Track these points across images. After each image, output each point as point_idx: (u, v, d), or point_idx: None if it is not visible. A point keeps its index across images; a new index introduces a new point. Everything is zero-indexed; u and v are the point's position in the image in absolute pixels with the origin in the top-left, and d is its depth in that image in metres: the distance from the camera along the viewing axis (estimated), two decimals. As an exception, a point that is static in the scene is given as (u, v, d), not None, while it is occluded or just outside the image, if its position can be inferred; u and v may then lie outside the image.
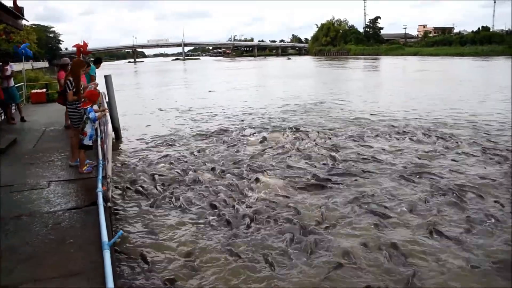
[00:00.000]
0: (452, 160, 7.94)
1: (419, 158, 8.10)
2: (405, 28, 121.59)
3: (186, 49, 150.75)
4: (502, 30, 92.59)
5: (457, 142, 9.27)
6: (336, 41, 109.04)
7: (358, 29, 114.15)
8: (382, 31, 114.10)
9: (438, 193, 6.19)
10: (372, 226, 5.10)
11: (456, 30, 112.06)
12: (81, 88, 6.52)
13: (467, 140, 9.48)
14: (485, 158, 8.02)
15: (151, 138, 10.95)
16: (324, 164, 7.86)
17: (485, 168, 7.36)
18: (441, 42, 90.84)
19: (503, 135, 9.94)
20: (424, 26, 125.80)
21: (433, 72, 35.25)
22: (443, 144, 9.13)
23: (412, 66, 47.36)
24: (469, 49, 75.40)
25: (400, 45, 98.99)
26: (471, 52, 71.61)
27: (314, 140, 9.77)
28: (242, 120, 13.18)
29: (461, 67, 41.72)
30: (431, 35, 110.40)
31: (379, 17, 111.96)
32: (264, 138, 10.12)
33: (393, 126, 11.47)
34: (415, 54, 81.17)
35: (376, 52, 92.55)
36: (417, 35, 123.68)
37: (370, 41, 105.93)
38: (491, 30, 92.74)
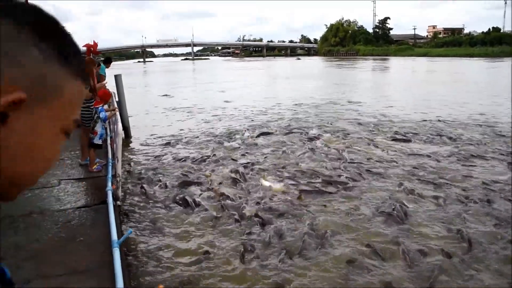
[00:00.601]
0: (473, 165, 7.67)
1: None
2: (414, 29, 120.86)
3: (195, 49, 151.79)
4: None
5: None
6: (345, 42, 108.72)
7: (367, 30, 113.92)
8: (392, 32, 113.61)
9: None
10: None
11: (466, 31, 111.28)
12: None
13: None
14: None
15: (160, 137, 10.98)
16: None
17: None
18: (451, 43, 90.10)
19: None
20: (434, 27, 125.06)
21: (445, 74, 34.88)
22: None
23: (422, 67, 47.01)
24: (479, 50, 74.72)
25: (410, 46, 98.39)
26: (481, 53, 70.97)
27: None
28: (252, 120, 13.10)
29: (472, 69, 41.29)
30: (440, 36, 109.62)
31: (388, 18, 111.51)
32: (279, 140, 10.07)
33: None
34: (424, 55, 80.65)
35: (385, 53, 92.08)
36: (427, 35, 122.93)
37: (379, 42, 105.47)
38: (501, 31, 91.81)
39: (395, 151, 8.80)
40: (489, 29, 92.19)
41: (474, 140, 9.56)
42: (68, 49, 0.51)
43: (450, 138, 9.83)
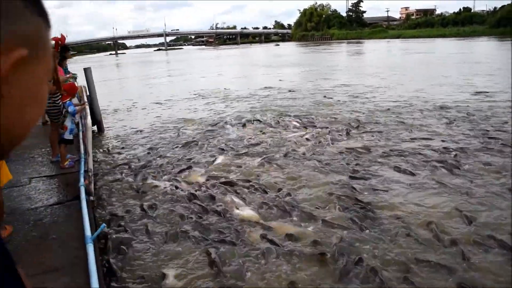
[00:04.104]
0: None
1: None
2: (387, 11, 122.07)
3: (168, 39, 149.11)
4: (483, 10, 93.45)
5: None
6: (319, 26, 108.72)
7: (341, 14, 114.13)
8: (365, 15, 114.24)
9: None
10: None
11: (438, 12, 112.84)
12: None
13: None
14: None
15: (134, 130, 10.79)
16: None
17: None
18: (424, 24, 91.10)
19: None
20: (406, 8, 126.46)
21: (425, 54, 35.34)
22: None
23: (398, 48, 47.53)
24: (451, 31, 75.81)
25: (383, 28, 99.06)
26: (453, 33, 72.03)
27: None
28: (238, 112, 12.75)
29: (445, 48, 41.97)
30: (413, 17, 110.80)
31: (361, 1, 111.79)
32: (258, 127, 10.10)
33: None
34: (398, 37, 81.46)
35: (359, 36, 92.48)
36: (400, 17, 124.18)
37: (353, 25, 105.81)
38: (472, 11, 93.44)
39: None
40: (460, 9, 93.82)
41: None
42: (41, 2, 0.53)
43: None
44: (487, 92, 13.01)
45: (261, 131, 9.65)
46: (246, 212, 5.12)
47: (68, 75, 7.86)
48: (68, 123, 6.21)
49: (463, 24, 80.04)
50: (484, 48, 38.70)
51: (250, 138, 9.04)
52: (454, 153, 7.01)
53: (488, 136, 7.99)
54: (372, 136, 8.59)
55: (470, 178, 5.91)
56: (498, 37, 53.33)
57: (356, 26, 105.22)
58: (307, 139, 8.60)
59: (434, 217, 4.77)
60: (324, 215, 4.94)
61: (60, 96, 6.29)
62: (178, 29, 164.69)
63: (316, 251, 4.16)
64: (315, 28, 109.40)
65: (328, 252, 4.11)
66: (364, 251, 4.14)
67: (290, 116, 11.11)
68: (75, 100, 7.86)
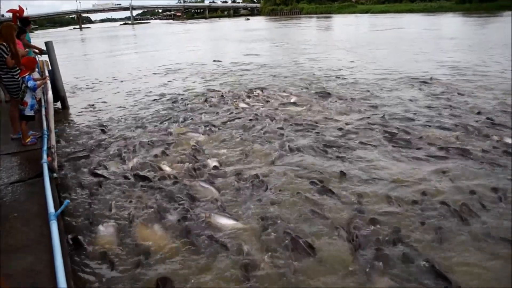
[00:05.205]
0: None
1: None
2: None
3: (135, 12, 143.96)
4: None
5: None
6: (288, 1, 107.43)
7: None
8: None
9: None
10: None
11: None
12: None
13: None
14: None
15: (99, 106, 10.51)
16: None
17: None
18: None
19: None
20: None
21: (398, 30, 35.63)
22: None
23: (368, 23, 47.70)
24: (418, 6, 76.50)
25: (352, 3, 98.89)
26: (420, 9, 72.77)
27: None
28: (207, 86, 12.69)
29: (415, 24, 42.43)
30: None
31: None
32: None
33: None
34: (367, 12, 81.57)
35: (328, 11, 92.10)
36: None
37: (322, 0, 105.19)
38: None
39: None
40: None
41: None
42: None
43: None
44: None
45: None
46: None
47: (31, 49, 7.48)
48: (28, 98, 5.95)
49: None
50: (452, 23, 39.36)
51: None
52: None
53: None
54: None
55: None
56: (463, 13, 54.26)
57: (325, 0, 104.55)
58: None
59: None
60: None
61: (19, 71, 6.00)
62: (145, 3, 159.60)
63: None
64: (284, 2, 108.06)
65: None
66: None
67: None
68: (36, 75, 7.54)
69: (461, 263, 3.49)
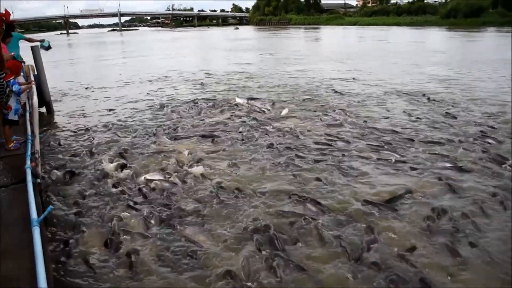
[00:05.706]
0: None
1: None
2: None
3: (123, 19, 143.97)
4: (435, 1, 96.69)
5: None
6: (277, 11, 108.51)
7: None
8: (323, 1, 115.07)
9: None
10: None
11: (393, 1, 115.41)
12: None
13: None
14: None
15: (85, 112, 10.45)
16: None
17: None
18: (379, 12, 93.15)
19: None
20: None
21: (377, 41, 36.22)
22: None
23: (356, 35, 48.35)
24: (405, 19, 77.95)
25: (340, 15, 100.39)
26: (407, 22, 74.09)
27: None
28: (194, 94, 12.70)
29: (401, 37, 43.17)
30: (369, 4, 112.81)
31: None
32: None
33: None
34: (354, 24, 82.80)
35: (316, 22, 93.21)
36: (357, 4, 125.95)
37: (311, 11, 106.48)
38: (425, 1, 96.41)
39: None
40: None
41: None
42: None
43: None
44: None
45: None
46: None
47: (12, 53, 7.41)
48: (12, 103, 5.88)
49: (417, 13, 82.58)
50: (437, 37, 40.15)
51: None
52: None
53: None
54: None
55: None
56: (448, 27, 55.39)
57: (313, 12, 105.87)
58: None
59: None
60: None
61: (3, 75, 5.93)
62: (133, 10, 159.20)
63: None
64: (273, 12, 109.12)
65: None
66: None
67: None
68: (21, 79, 7.46)
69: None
